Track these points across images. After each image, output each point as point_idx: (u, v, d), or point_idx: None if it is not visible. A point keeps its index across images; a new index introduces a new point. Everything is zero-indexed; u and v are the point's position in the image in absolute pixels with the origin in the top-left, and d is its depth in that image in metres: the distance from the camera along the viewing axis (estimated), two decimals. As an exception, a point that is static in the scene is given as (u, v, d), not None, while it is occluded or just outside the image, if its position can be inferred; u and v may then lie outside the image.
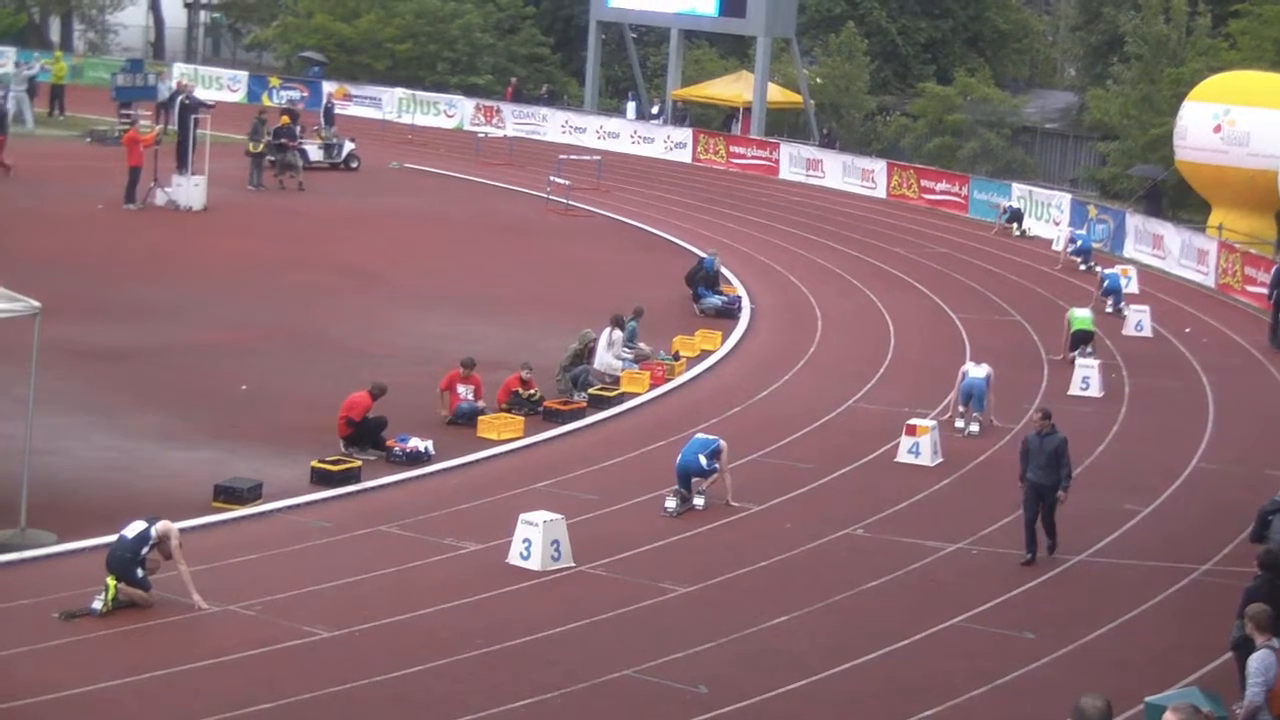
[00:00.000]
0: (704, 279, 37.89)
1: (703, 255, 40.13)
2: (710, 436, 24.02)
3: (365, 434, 24.95)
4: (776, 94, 67.13)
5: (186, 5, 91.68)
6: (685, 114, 68.73)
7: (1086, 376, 31.74)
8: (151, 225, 42.10)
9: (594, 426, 27.88)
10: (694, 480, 23.44)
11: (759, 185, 57.95)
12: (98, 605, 18.24)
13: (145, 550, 18.55)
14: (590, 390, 29.07)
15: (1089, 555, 22.41)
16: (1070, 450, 22.15)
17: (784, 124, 69.92)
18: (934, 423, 27.13)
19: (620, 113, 69.66)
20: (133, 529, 18.73)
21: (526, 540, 20.66)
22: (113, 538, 18.95)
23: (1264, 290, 41.23)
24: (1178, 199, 54.80)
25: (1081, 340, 33.61)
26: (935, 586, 20.94)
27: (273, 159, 49.46)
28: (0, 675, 16.58)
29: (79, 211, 42.93)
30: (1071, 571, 21.81)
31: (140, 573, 18.48)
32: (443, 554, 21.05)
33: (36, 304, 21.12)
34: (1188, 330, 38.32)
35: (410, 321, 34.04)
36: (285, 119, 51.01)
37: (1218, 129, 48.29)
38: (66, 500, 21.79)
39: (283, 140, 49.84)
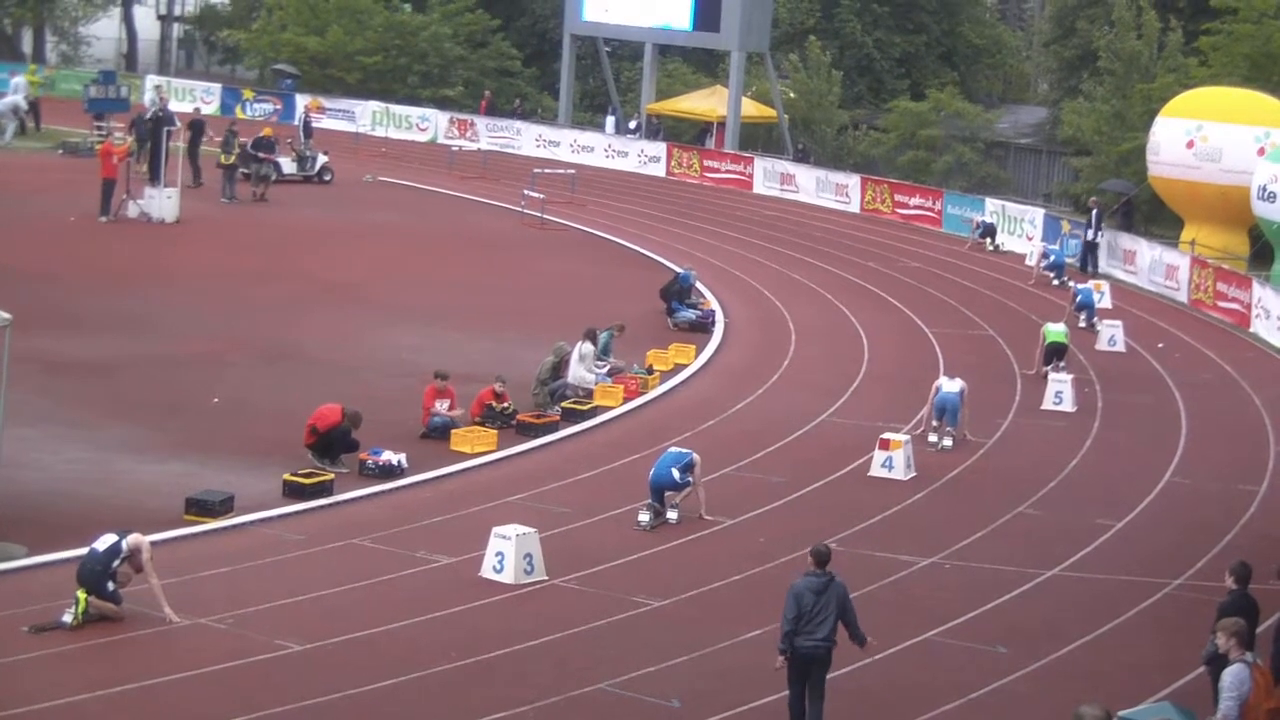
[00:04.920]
0: (678, 293, 37.90)
1: (678, 270, 40.12)
2: (683, 450, 24.02)
3: (330, 445, 24.86)
4: (750, 108, 67.16)
5: (160, 18, 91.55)
6: (659, 128, 68.72)
7: (1059, 391, 31.77)
8: (124, 238, 41.98)
9: (567, 440, 27.84)
10: (667, 494, 23.41)
11: (733, 200, 57.97)
12: (68, 618, 18.15)
13: (116, 563, 18.48)
14: (564, 404, 29.05)
15: (1062, 570, 22.43)
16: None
17: (758, 138, 69.98)
18: (907, 437, 27.12)
19: (595, 127, 69.64)
20: (103, 542, 18.66)
21: (499, 554, 20.63)
22: (83, 551, 18.88)
23: (1236, 306, 41.49)
24: (1150, 214, 54.96)
25: (1054, 354, 33.66)
26: (908, 600, 20.93)
27: (246, 171, 49.36)
28: (-31, 689, 16.51)
29: (51, 224, 42.79)
30: (1044, 586, 21.82)
31: (111, 586, 18.41)
32: (415, 567, 21.00)
33: (7, 315, 21.01)
34: (1160, 345, 38.41)
35: (384, 334, 33.97)
36: (267, 131, 50.92)
37: (1190, 145, 48.44)
38: (37, 513, 21.68)
39: (260, 153, 49.76)
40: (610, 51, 73.66)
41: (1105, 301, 42.12)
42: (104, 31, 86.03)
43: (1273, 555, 20.92)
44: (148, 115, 47.68)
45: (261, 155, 49.81)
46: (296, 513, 22.93)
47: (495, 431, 27.13)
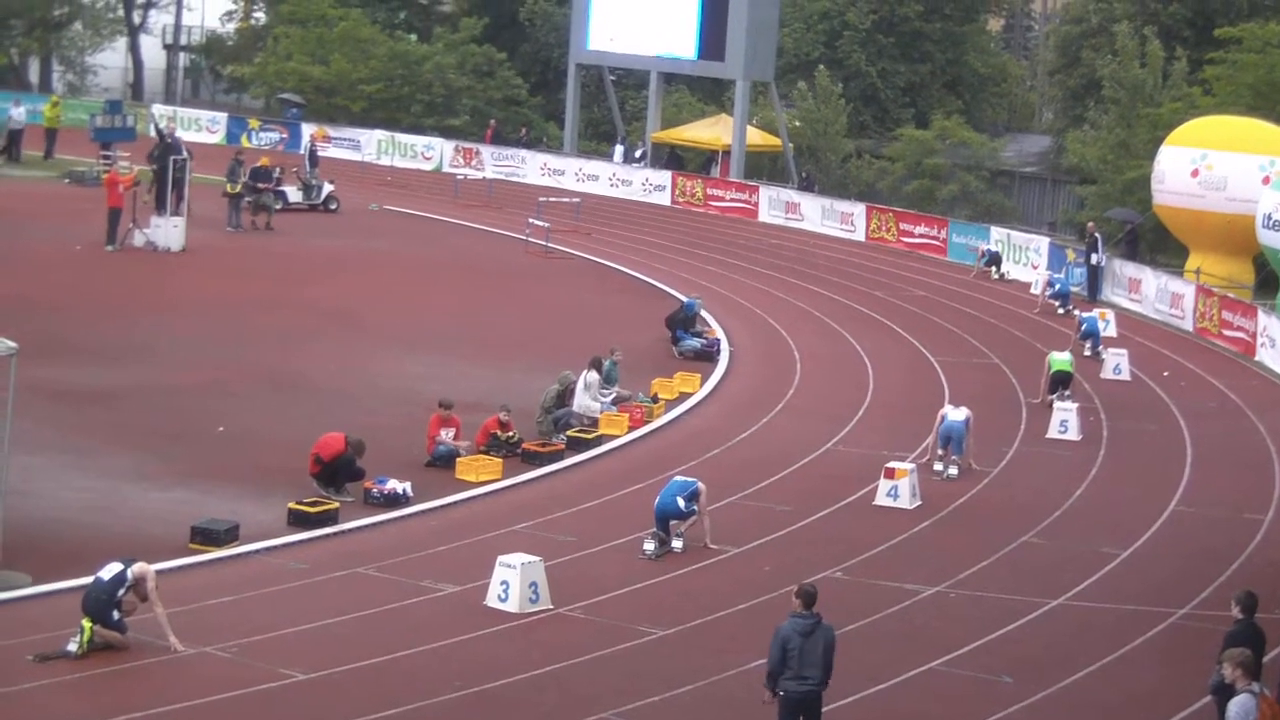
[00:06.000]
0: (683, 321, 37.90)
1: (683, 298, 40.12)
2: (689, 479, 24.00)
3: (335, 473, 24.86)
4: (755, 137, 67.28)
5: (166, 47, 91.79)
6: (666, 155, 68.75)
7: (1065, 420, 31.75)
8: (130, 266, 42.04)
9: (572, 468, 27.83)
10: (672, 523, 23.38)
11: (738, 228, 58.03)
12: (73, 647, 18.13)
13: (121, 592, 18.46)
14: (569, 432, 29.03)
15: (1067, 599, 22.39)
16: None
17: (763, 167, 70.08)
18: (913, 466, 27.10)
19: (600, 155, 69.74)
20: (108, 571, 18.64)
21: (504, 582, 20.60)
22: (88, 579, 18.85)
23: (1241, 335, 41.47)
24: (1155, 243, 55.00)
25: (1060, 382, 33.63)
26: (913, 630, 20.90)
27: (249, 200, 49.47)
28: (-26, 718, 16.49)
29: (57, 252, 42.85)
30: (1050, 615, 21.78)
31: (116, 615, 18.38)
32: (420, 596, 20.97)
33: (12, 344, 21.03)
34: (1166, 374, 38.39)
35: (389, 363, 33.97)
36: (264, 160, 51.05)
37: (1195, 173, 48.52)
38: (42, 542, 21.65)
39: (258, 184, 49.84)
40: (615, 80, 73.82)
41: (1110, 330, 42.11)
42: (110, 61, 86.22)
43: (1279, 584, 20.91)
44: (156, 142, 47.60)
45: (260, 186, 49.92)
46: (301, 541, 22.92)
47: (500, 460, 27.13)
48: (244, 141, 66.63)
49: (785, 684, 15.79)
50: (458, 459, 26.74)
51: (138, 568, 18.68)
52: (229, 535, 22.43)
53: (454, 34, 75.35)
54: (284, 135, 68.42)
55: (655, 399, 32.10)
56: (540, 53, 78.65)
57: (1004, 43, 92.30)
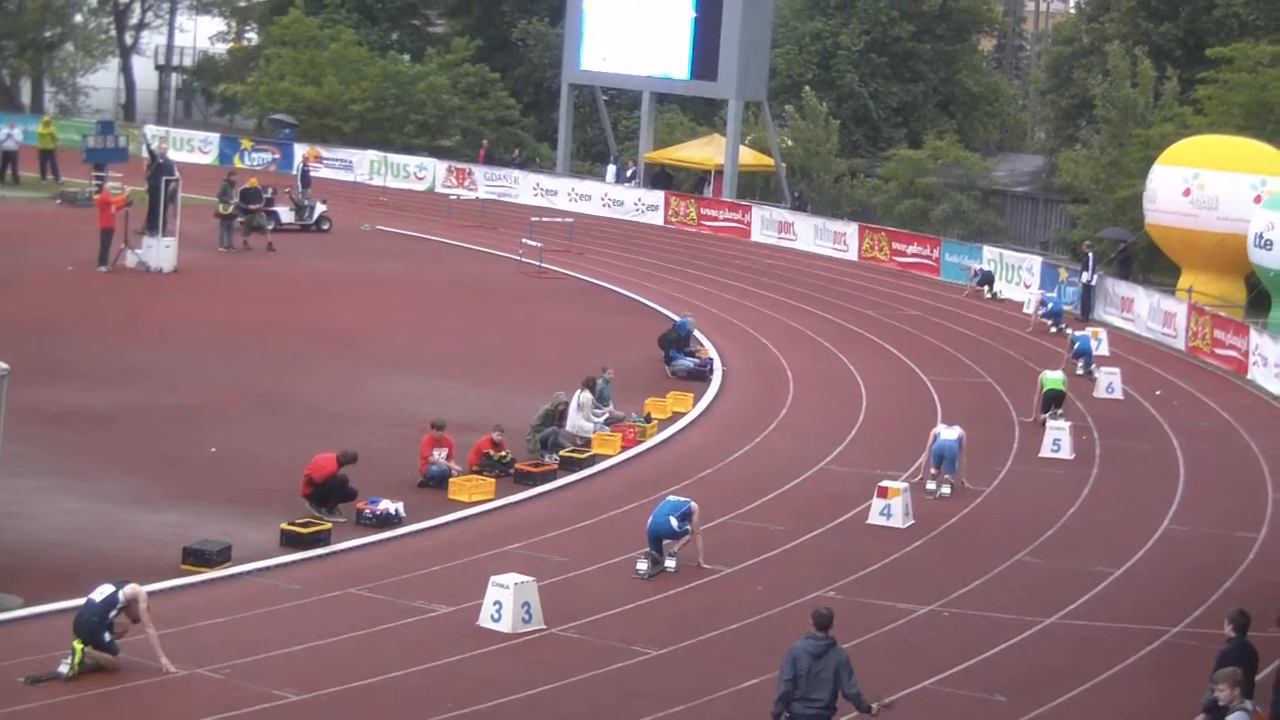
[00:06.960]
0: (675, 341, 37.90)
1: (676, 318, 40.14)
2: (681, 498, 23.98)
3: (327, 494, 24.83)
4: (748, 156, 67.30)
5: (158, 68, 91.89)
6: (660, 173, 68.72)
7: (1057, 438, 31.76)
8: (122, 287, 42.02)
9: (565, 488, 27.81)
10: (665, 542, 23.37)
11: (731, 247, 58.05)
12: (64, 669, 18.09)
13: (113, 614, 18.42)
14: (562, 452, 29.02)
15: (1061, 617, 22.39)
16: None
17: (755, 187, 70.10)
18: (905, 485, 27.09)
19: (593, 175, 69.76)
20: (100, 592, 18.61)
21: (497, 602, 20.59)
22: (80, 601, 18.81)
23: (1233, 353, 41.51)
24: (1148, 262, 55.06)
25: (1052, 401, 33.66)
26: (907, 648, 20.88)
27: (242, 220, 49.51)
28: (-35, 740, 16.46)
29: (49, 273, 42.83)
30: (1044, 633, 21.78)
31: (108, 636, 18.35)
32: (413, 616, 20.95)
33: (4, 366, 21.00)
34: (1158, 393, 38.41)
35: (382, 383, 33.96)
36: (253, 181, 51.11)
37: (1187, 193, 48.58)
38: (34, 563, 21.62)
39: (250, 206, 49.85)
40: (608, 100, 73.88)
41: (1103, 349, 42.15)
42: (102, 82, 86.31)
43: (1272, 602, 20.90)
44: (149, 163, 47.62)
45: (250, 207, 49.94)
46: (294, 562, 22.88)
47: (493, 480, 27.11)
48: (236, 162, 66.66)
49: (792, 705, 15.74)
50: (450, 479, 26.73)
51: (129, 589, 18.65)
52: (221, 556, 22.41)
53: (447, 55, 75.39)
54: (276, 156, 68.47)
55: (648, 419, 32.09)
56: (533, 73, 78.71)
57: (996, 63, 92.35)
